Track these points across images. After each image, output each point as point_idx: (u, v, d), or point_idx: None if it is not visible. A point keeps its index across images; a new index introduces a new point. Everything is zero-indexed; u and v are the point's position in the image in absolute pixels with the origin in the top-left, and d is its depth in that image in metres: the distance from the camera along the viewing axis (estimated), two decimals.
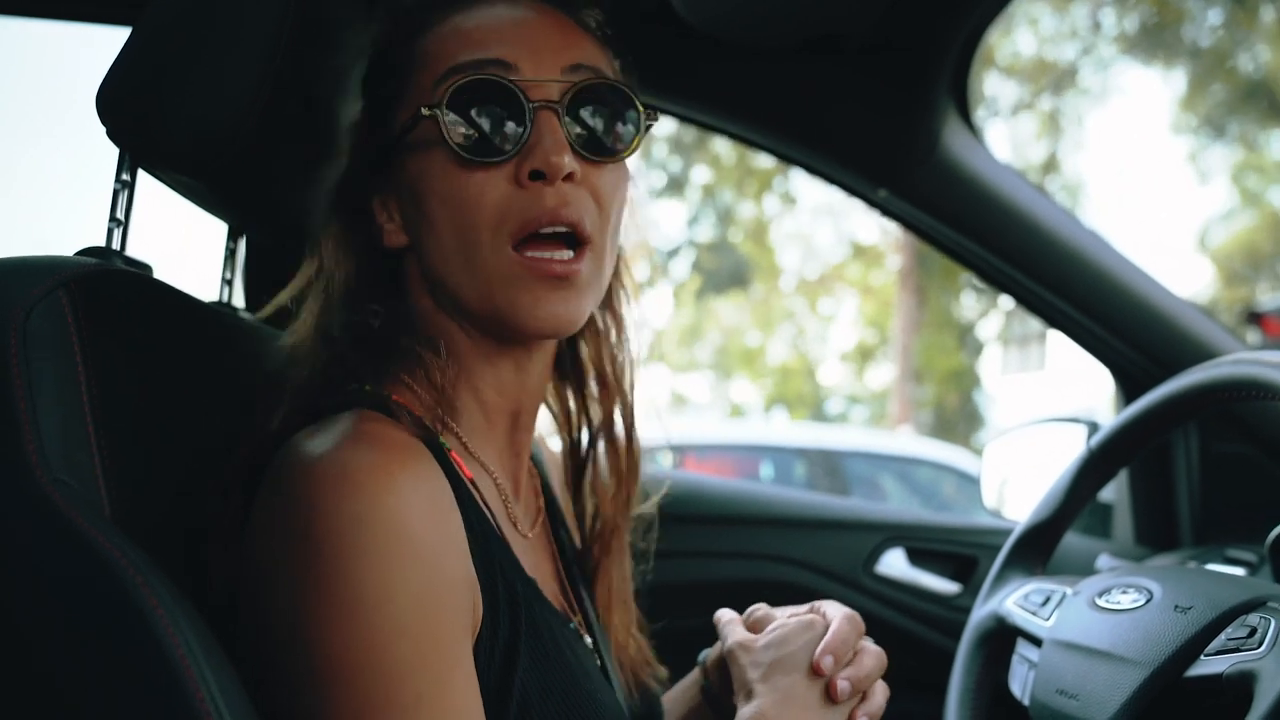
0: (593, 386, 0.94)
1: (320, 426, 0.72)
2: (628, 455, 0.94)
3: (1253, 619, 0.78)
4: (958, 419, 16.48)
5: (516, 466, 0.88)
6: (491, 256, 0.77)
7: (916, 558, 1.56)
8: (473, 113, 0.76)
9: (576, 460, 0.98)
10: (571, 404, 0.96)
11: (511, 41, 0.79)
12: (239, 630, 0.69)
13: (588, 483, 0.97)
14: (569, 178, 0.77)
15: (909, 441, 7.73)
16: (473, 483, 0.79)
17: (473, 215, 0.77)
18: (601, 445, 0.95)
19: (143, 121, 0.81)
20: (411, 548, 0.66)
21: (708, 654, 0.98)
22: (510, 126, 0.76)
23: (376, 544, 0.65)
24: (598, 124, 0.80)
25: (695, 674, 1.00)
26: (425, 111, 0.77)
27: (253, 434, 0.76)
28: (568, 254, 0.78)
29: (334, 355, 0.78)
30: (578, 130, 0.79)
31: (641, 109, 0.82)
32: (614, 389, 0.93)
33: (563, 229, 0.77)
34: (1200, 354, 1.40)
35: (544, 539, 0.92)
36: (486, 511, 0.79)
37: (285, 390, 0.77)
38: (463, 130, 0.76)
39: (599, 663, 0.88)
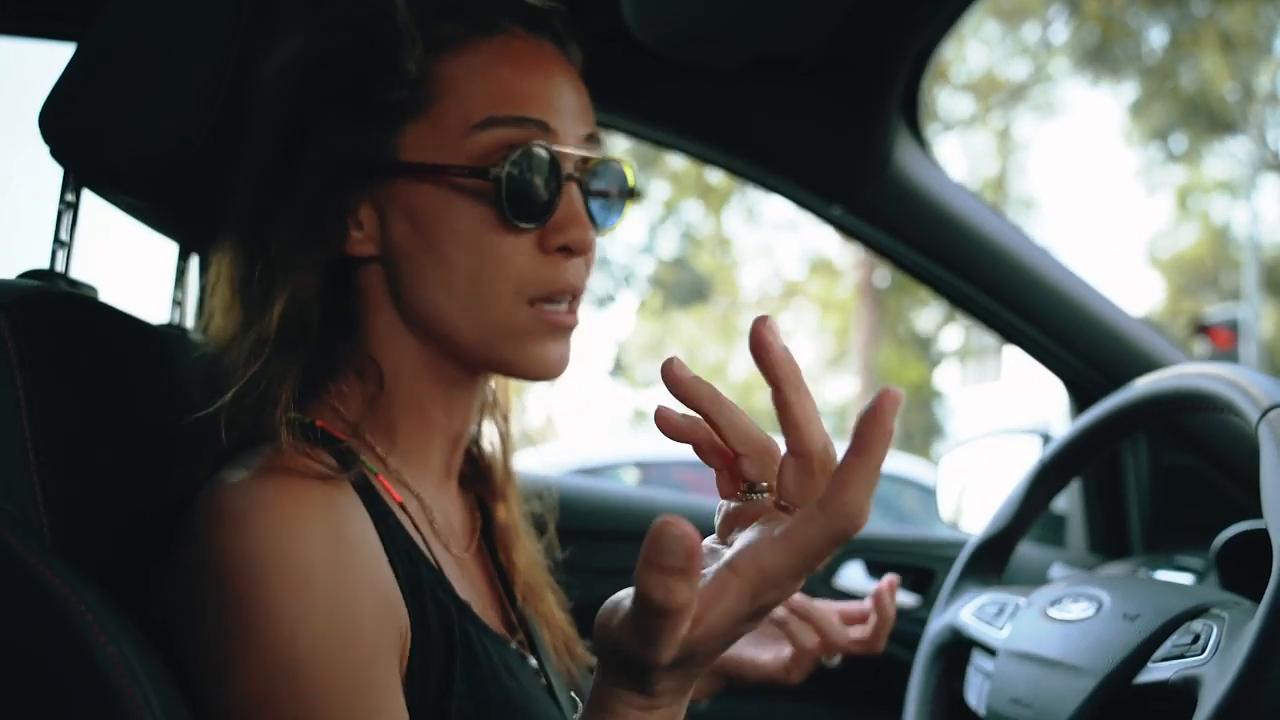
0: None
1: (243, 457, 0.72)
2: (504, 457, 0.95)
3: (1197, 625, 0.79)
4: (917, 431, 16.65)
5: (448, 486, 0.87)
6: (509, 310, 0.78)
7: (875, 570, 1.57)
8: (521, 178, 0.77)
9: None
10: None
11: (547, 101, 0.79)
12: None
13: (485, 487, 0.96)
14: None
15: None
16: (401, 506, 0.78)
17: (499, 273, 0.78)
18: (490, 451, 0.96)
19: (87, 140, 0.80)
20: (314, 587, 0.66)
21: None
22: (545, 195, 0.78)
23: (276, 583, 0.65)
24: (604, 199, 0.83)
25: None
26: (495, 172, 0.76)
27: (189, 463, 0.75)
28: (566, 305, 0.82)
29: (264, 369, 0.74)
30: (591, 203, 0.81)
31: (633, 183, 0.85)
32: (499, 395, 0.96)
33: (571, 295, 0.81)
34: (1146, 366, 1.43)
35: (480, 560, 0.90)
36: (416, 536, 0.78)
37: (214, 414, 0.74)
38: (513, 194, 0.77)
39: (544, 683, 0.87)
